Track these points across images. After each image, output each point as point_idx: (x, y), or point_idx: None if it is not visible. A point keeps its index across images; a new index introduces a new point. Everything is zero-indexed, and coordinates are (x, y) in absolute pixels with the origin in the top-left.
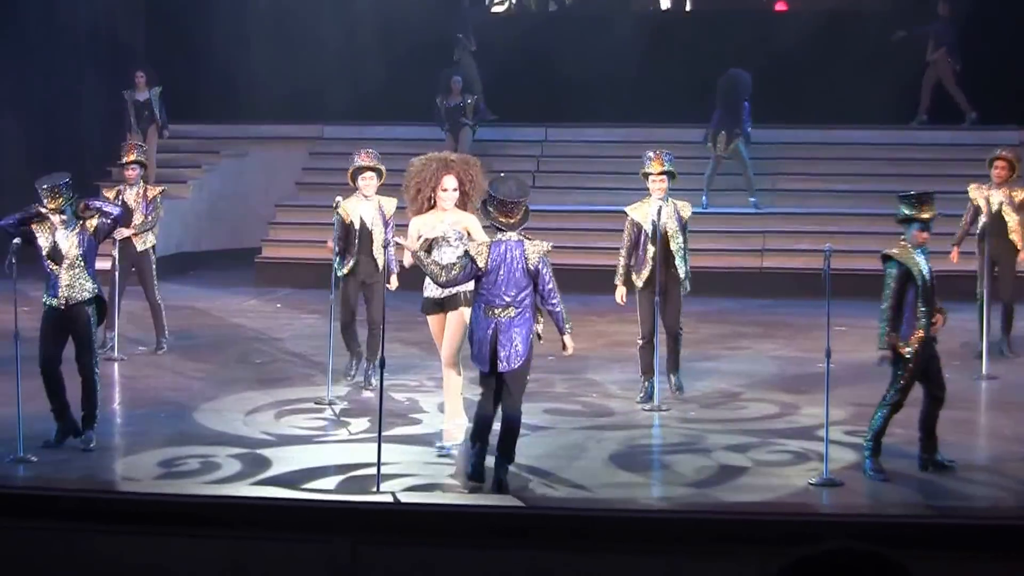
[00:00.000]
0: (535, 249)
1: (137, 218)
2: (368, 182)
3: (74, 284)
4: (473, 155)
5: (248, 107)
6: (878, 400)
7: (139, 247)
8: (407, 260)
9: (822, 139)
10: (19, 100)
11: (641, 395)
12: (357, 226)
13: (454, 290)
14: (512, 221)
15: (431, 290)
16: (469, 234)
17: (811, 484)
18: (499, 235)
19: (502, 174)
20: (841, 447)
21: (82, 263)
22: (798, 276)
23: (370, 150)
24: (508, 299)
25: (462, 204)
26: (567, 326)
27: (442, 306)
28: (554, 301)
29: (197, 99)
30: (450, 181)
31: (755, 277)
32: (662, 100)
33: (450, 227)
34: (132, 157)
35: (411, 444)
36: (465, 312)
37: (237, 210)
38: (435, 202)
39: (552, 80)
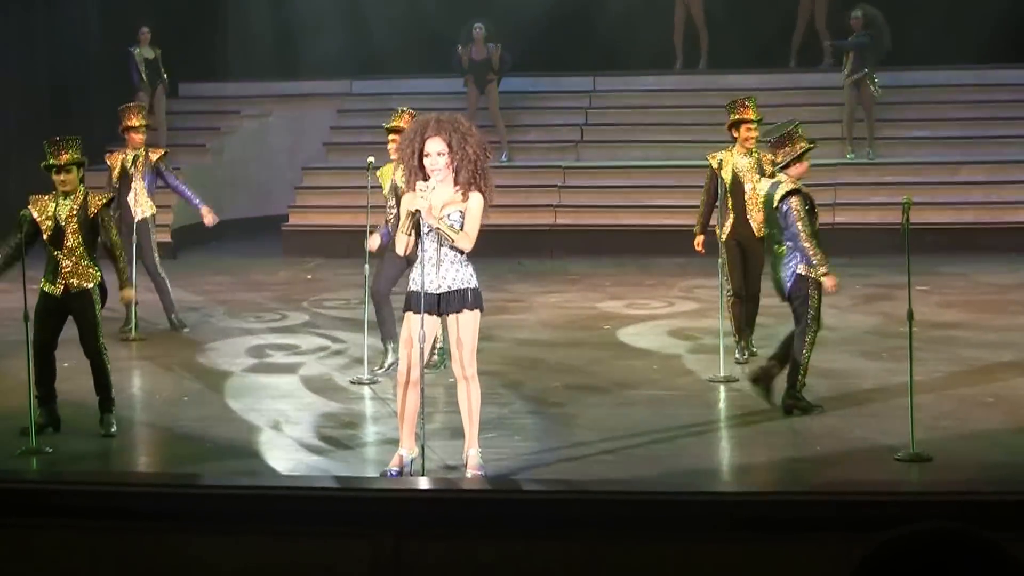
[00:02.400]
0: (780, 190)
1: (137, 185)
2: (394, 145)
3: (75, 271)
4: (507, 108)
5: (270, 63)
6: (958, 368)
7: (137, 215)
8: (400, 247)
9: (895, 81)
10: (24, 60)
11: (739, 356)
12: (386, 192)
13: (453, 285)
14: (779, 160)
15: (426, 282)
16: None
17: (897, 459)
18: (776, 176)
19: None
20: (927, 419)
21: (83, 247)
22: (874, 232)
23: (406, 109)
24: (780, 237)
25: (457, 178)
26: (816, 264)
27: (438, 304)
28: (795, 241)
29: (214, 56)
30: (434, 144)
31: (826, 234)
32: (723, 44)
33: (446, 206)
34: (137, 121)
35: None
36: (475, 314)
37: (261, 175)
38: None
39: (600, 24)
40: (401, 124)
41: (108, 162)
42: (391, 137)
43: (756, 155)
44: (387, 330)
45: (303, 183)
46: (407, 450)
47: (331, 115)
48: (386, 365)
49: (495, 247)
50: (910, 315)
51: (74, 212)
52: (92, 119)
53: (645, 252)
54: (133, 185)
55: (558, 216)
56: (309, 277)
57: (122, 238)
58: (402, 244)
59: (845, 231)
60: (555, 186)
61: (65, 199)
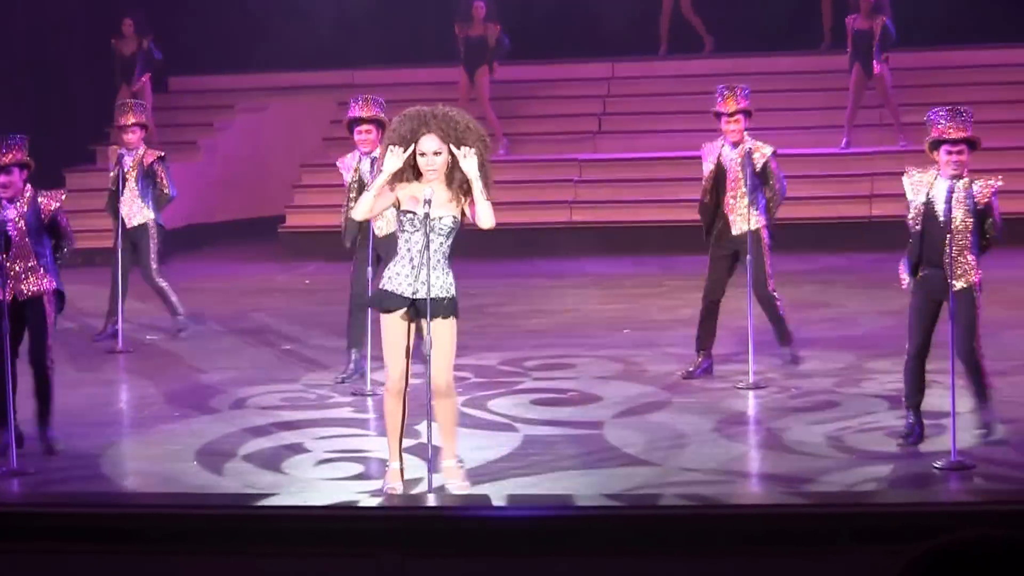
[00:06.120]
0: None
1: (129, 189)
2: (365, 136)
3: (23, 276)
4: (498, 98)
5: (265, 53)
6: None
7: (129, 223)
8: (363, 212)
9: (935, 63)
10: (2, 50)
11: (690, 368)
12: (355, 185)
13: (434, 292)
14: None
15: (398, 282)
16: (464, 215)
17: (937, 467)
18: None
19: None
20: (969, 425)
21: (31, 250)
22: None
23: (369, 96)
24: None
25: (448, 174)
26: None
27: (415, 306)
28: None
29: (205, 46)
30: (429, 142)
31: (864, 228)
32: (751, 25)
33: (441, 207)
34: (131, 119)
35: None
36: (455, 323)
37: (256, 174)
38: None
39: (618, 5)
40: (365, 114)
41: (111, 159)
42: (362, 128)
43: (744, 147)
44: (355, 337)
45: (302, 181)
46: (400, 462)
47: (331, 108)
48: (348, 372)
49: (507, 247)
50: (952, 314)
51: (22, 215)
52: (75, 114)
53: (667, 250)
54: (126, 188)
55: (574, 213)
56: (308, 282)
57: (125, 247)
58: (366, 213)
59: (883, 224)
60: (571, 181)
61: (10, 202)
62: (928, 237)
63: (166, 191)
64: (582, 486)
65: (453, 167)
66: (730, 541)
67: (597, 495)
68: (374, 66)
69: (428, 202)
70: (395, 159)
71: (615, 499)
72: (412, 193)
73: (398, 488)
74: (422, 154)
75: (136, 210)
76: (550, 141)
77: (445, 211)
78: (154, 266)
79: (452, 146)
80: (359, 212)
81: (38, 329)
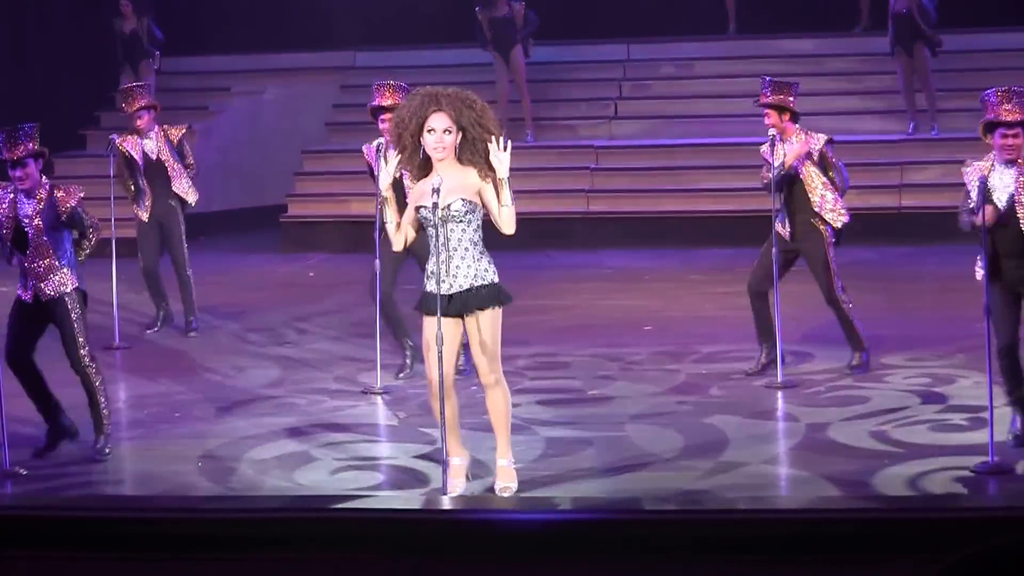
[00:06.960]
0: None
1: (172, 169)
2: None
3: (45, 277)
4: (531, 81)
5: (263, 33)
6: None
7: (191, 199)
8: (396, 243)
9: (967, 46)
10: None
11: (752, 366)
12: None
13: (466, 283)
14: None
15: (437, 283)
16: (482, 198)
17: (974, 471)
18: None
19: None
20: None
21: (51, 248)
22: (945, 217)
23: (391, 83)
24: None
25: (469, 158)
26: None
27: (449, 305)
28: None
29: (200, 26)
30: (439, 120)
31: (892, 219)
32: (780, 3)
33: (449, 193)
34: (137, 104)
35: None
36: (496, 313)
37: (255, 161)
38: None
39: None
40: (388, 103)
41: (130, 151)
42: (386, 117)
43: (798, 138)
44: (401, 328)
45: (303, 168)
46: (460, 458)
47: (333, 91)
48: (408, 366)
49: (520, 238)
50: (987, 309)
51: (38, 211)
52: (63, 99)
53: (689, 242)
54: (171, 172)
55: (590, 202)
56: (312, 275)
57: (150, 234)
58: (400, 241)
59: (912, 216)
60: (587, 168)
61: (28, 196)
62: (1000, 229)
63: (192, 166)
64: (619, 488)
65: (476, 151)
66: (749, 548)
67: (652, 497)
68: (376, 47)
69: (437, 191)
70: (386, 173)
71: (668, 501)
72: (422, 189)
73: (460, 486)
74: (430, 130)
75: (189, 187)
76: (563, 127)
77: (452, 196)
78: (186, 254)
79: (484, 135)
80: (395, 245)
81: (66, 329)
